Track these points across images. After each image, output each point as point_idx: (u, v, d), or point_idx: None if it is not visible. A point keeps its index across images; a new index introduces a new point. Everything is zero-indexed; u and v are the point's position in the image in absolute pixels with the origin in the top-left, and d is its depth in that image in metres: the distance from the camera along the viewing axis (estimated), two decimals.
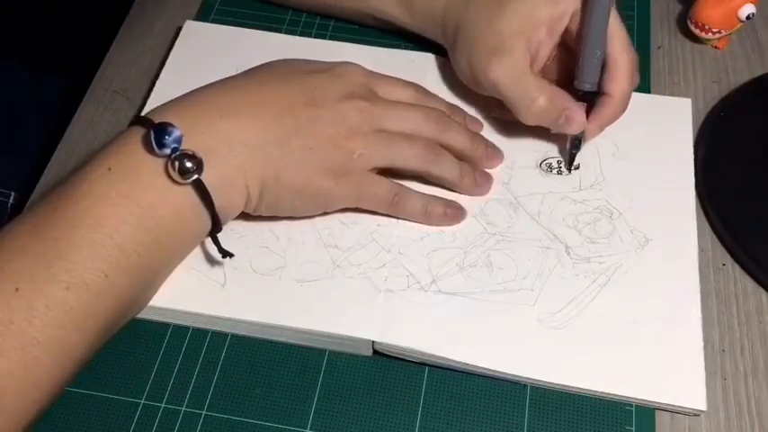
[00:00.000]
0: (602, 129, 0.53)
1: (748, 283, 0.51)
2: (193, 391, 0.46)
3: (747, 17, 0.58)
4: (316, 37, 0.62)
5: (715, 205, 0.53)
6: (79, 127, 0.58)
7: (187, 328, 0.48)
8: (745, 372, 0.48)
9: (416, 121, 0.50)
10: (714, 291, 0.51)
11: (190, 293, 0.47)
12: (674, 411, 0.46)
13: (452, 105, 0.55)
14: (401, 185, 0.50)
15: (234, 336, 0.48)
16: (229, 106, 0.46)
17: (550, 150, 0.55)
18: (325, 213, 0.50)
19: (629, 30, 0.62)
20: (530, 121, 0.52)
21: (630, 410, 0.46)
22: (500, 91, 0.52)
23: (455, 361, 0.46)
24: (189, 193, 0.44)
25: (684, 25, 0.62)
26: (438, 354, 0.46)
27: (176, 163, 0.42)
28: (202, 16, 0.63)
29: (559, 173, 0.54)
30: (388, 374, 0.47)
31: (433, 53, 0.59)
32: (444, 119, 0.51)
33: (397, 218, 0.51)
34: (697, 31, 0.60)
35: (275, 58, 0.58)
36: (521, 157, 0.54)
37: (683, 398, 0.45)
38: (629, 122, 0.56)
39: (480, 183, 0.52)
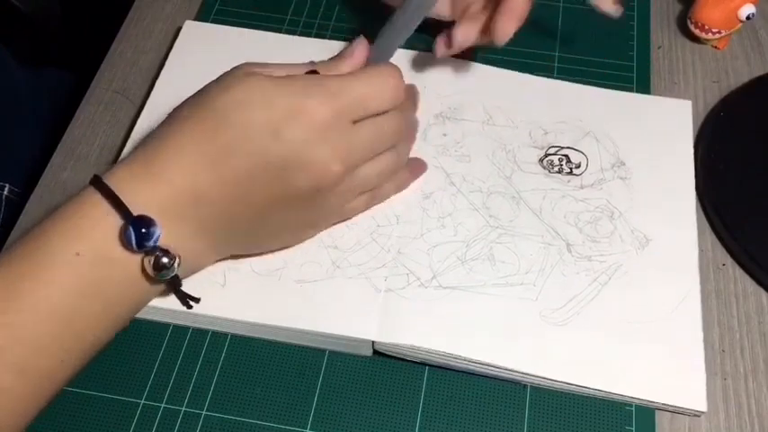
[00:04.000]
0: (514, 25, 0.50)
1: (748, 283, 0.51)
2: (193, 391, 0.46)
3: (747, 17, 0.58)
4: (316, 37, 0.62)
5: (715, 205, 0.53)
6: (79, 127, 0.58)
7: (187, 328, 0.48)
8: (745, 372, 0.48)
9: (384, 166, 0.49)
10: (714, 291, 0.51)
11: (190, 293, 0.47)
12: (674, 411, 0.46)
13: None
14: (371, 191, 0.50)
15: (234, 336, 0.48)
16: (203, 184, 0.42)
17: (552, 148, 0.55)
18: None
19: (629, 30, 0.62)
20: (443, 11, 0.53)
21: (630, 410, 0.46)
22: None
23: (456, 356, 0.46)
24: (160, 284, 0.44)
25: (684, 25, 0.62)
26: (438, 349, 0.46)
27: (152, 259, 0.41)
28: (202, 16, 0.63)
29: (560, 171, 0.54)
30: (388, 374, 0.47)
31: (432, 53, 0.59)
32: (380, 135, 0.47)
33: None
34: (697, 32, 0.60)
35: (275, 58, 0.58)
36: (523, 153, 0.54)
37: (684, 398, 0.45)
38: (630, 123, 0.56)
39: (414, 170, 0.53)
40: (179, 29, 0.61)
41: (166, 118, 0.45)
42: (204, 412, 0.45)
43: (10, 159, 0.69)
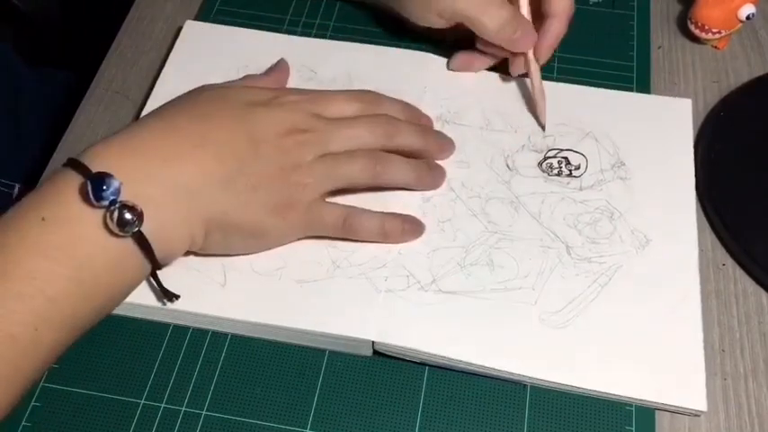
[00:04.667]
0: (551, 50, 0.56)
1: (748, 283, 0.51)
2: (193, 391, 0.46)
3: (747, 17, 0.58)
4: (316, 37, 0.62)
5: (715, 205, 0.53)
6: (79, 127, 0.58)
7: (187, 328, 0.48)
8: (745, 372, 0.48)
9: (360, 136, 0.49)
10: (714, 291, 0.51)
11: (190, 293, 0.47)
12: (674, 411, 0.46)
13: (405, 104, 0.54)
14: (352, 208, 0.49)
15: (234, 336, 0.48)
16: (170, 150, 0.45)
17: (551, 151, 0.55)
18: None
19: (629, 30, 0.62)
20: (491, 32, 0.54)
21: (630, 410, 0.46)
22: (462, 8, 0.53)
23: (455, 360, 0.46)
24: (128, 244, 0.43)
25: (684, 25, 0.62)
26: (438, 353, 0.46)
27: (115, 215, 0.41)
28: (202, 16, 0.63)
29: (560, 173, 0.54)
30: (388, 374, 0.47)
31: (432, 53, 0.59)
32: (391, 124, 0.50)
33: (356, 241, 0.49)
34: (697, 32, 0.60)
35: (275, 59, 0.58)
36: (522, 157, 0.54)
37: (684, 398, 0.45)
38: (630, 123, 0.56)
39: (438, 178, 0.53)
40: (179, 29, 0.61)
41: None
42: (204, 412, 0.45)
43: (22, 159, 0.69)
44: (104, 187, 0.41)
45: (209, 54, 0.59)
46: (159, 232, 0.43)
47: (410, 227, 0.50)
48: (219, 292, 0.48)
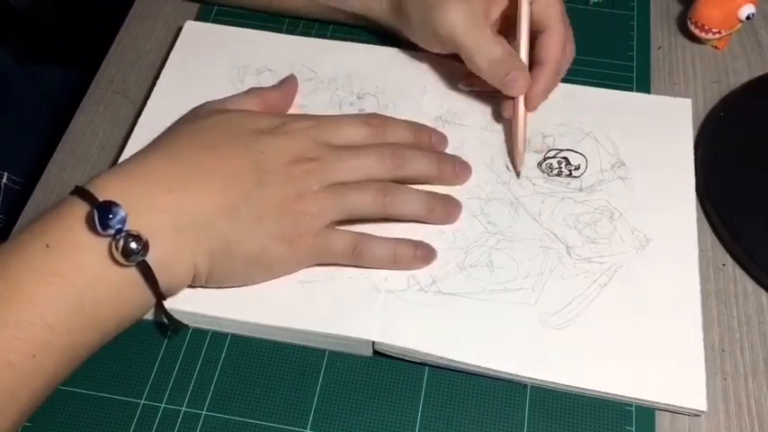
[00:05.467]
0: (544, 95, 0.54)
1: (748, 283, 0.51)
2: (193, 391, 0.46)
3: (747, 17, 0.58)
4: (315, 37, 0.62)
5: (715, 205, 0.53)
6: (79, 127, 0.58)
7: (187, 327, 0.48)
8: (745, 372, 0.48)
9: (368, 166, 0.48)
10: (714, 291, 0.51)
11: (190, 293, 0.47)
12: (674, 411, 0.46)
13: (414, 124, 0.53)
14: (361, 234, 0.48)
15: (234, 336, 0.48)
16: (175, 181, 0.44)
17: (551, 151, 0.55)
18: None
19: (629, 30, 0.62)
20: (482, 69, 0.52)
21: (630, 410, 0.46)
22: (456, 38, 0.52)
23: (455, 361, 0.46)
24: (131, 274, 0.42)
25: (684, 25, 0.62)
26: (438, 354, 0.46)
27: (120, 243, 0.41)
28: (202, 16, 0.63)
29: (559, 174, 0.54)
30: (388, 374, 0.47)
31: (432, 53, 0.59)
32: (400, 153, 0.49)
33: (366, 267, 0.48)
34: (697, 32, 0.60)
35: (275, 59, 0.58)
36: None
37: (684, 398, 0.45)
38: (630, 123, 0.56)
39: (450, 213, 0.51)
40: (179, 29, 0.61)
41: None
42: (204, 412, 0.45)
43: (8, 149, 0.69)
44: (110, 216, 0.41)
45: (209, 54, 0.59)
46: (163, 262, 0.43)
47: (422, 253, 0.49)
48: (219, 293, 0.48)
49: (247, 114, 0.49)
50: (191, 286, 0.47)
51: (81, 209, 0.42)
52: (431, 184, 0.51)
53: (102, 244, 0.41)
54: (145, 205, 0.43)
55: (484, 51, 0.52)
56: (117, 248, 0.41)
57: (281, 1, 0.61)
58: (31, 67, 0.76)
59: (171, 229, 0.43)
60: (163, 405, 0.46)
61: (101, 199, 0.42)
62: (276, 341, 0.48)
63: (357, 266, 0.48)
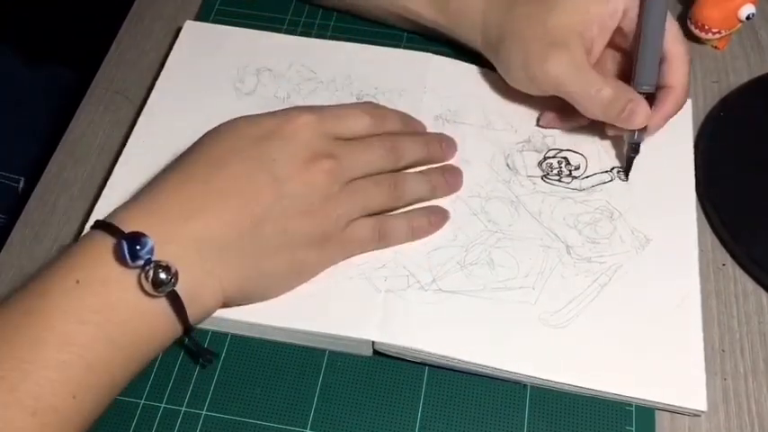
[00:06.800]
0: (665, 121, 0.53)
1: (748, 283, 0.51)
2: (193, 391, 0.46)
3: (747, 17, 0.58)
4: (316, 37, 0.62)
5: (715, 205, 0.53)
6: (79, 127, 0.58)
7: None
8: (745, 372, 0.48)
9: (377, 161, 0.49)
10: (714, 291, 0.51)
11: None
12: (674, 411, 0.46)
13: (402, 113, 0.53)
14: (378, 217, 0.49)
15: (234, 336, 0.48)
16: (191, 207, 0.43)
17: (551, 151, 0.55)
18: None
19: None
20: (595, 112, 0.51)
21: (630, 410, 0.46)
22: (563, 86, 0.51)
23: (455, 360, 0.46)
24: (162, 305, 0.42)
25: (684, 25, 0.62)
26: (438, 353, 0.46)
27: (150, 274, 0.40)
28: (202, 16, 0.63)
29: (559, 173, 0.54)
30: (388, 374, 0.47)
31: (432, 53, 0.59)
32: (398, 144, 0.50)
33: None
34: (697, 32, 0.60)
35: (275, 59, 0.58)
36: (522, 157, 0.54)
37: (683, 398, 0.45)
38: None
39: (452, 182, 0.52)
40: (179, 29, 0.61)
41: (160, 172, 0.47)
42: (204, 412, 0.45)
43: (8, 149, 0.69)
44: (138, 247, 0.40)
45: (209, 54, 0.59)
46: (190, 290, 0.42)
47: (436, 218, 0.51)
48: None
49: (246, 119, 0.48)
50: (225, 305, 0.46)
51: (107, 242, 0.41)
52: (421, 166, 0.52)
53: (131, 276, 0.41)
54: (164, 236, 0.42)
55: (593, 97, 0.50)
56: (147, 279, 0.40)
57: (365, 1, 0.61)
58: (32, 66, 0.76)
59: (194, 256, 0.43)
60: (163, 405, 0.46)
61: (127, 231, 0.41)
62: (276, 341, 0.48)
63: (382, 248, 0.49)
